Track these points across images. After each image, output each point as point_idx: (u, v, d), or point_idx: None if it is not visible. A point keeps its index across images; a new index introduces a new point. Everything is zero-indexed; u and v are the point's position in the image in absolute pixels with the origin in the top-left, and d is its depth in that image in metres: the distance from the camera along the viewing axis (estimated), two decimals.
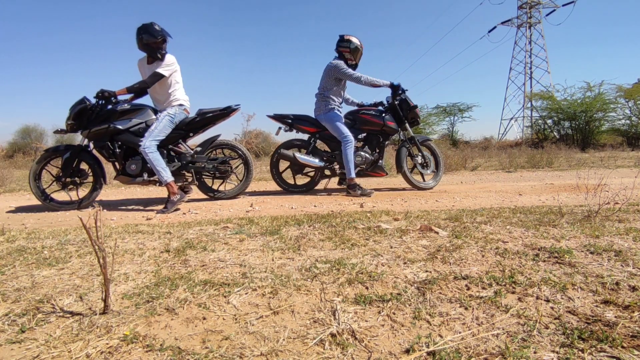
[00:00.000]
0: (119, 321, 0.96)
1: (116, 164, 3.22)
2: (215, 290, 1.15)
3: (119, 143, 3.16)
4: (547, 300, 1.02)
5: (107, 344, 0.86)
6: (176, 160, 3.31)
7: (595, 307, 0.98)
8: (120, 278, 1.28)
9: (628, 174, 5.14)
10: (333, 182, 4.47)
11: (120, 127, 3.11)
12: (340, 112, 3.89)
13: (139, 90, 3.09)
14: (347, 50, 3.75)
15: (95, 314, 1.01)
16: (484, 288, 1.12)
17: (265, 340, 0.86)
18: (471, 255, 1.42)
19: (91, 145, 3.22)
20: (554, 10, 27.78)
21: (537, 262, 1.32)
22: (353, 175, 3.71)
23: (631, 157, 9.25)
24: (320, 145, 4.14)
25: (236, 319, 0.97)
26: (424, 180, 4.20)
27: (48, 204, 3.11)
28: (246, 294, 1.12)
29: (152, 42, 3.05)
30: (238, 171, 3.69)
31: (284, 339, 0.87)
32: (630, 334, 0.84)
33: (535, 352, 0.78)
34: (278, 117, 3.99)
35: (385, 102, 4.02)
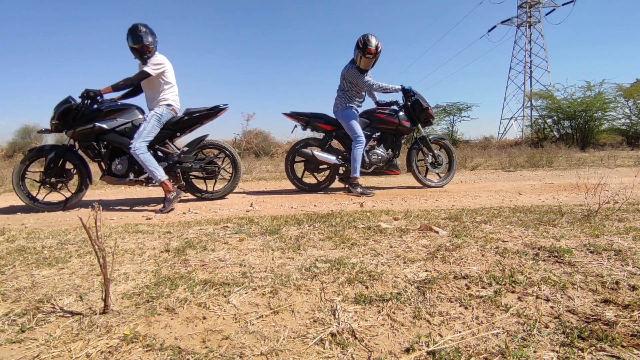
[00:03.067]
0: (119, 321, 0.96)
1: (102, 164, 3.18)
2: (215, 289, 1.15)
3: (105, 143, 3.12)
4: (547, 300, 1.02)
5: (107, 343, 0.86)
6: (163, 161, 3.27)
7: (595, 306, 0.98)
8: (120, 278, 1.28)
9: (628, 173, 5.14)
10: (335, 182, 4.47)
11: (105, 126, 3.08)
12: (358, 111, 3.92)
13: (124, 87, 3.03)
14: (359, 54, 3.68)
15: (95, 314, 1.01)
16: (483, 287, 1.12)
17: (265, 340, 0.86)
18: (471, 254, 1.42)
19: (77, 145, 3.18)
20: (554, 9, 27.78)
21: (537, 261, 1.32)
22: (357, 174, 3.76)
23: (631, 156, 9.25)
24: (335, 145, 4.15)
25: (236, 319, 0.97)
26: (438, 178, 4.24)
27: (32, 204, 3.07)
28: (246, 293, 1.12)
29: (135, 47, 3.03)
30: (226, 171, 3.62)
31: (284, 339, 0.87)
32: (630, 333, 0.84)
33: (535, 352, 0.78)
34: (294, 115, 3.99)
35: (400, 101, 4.05)
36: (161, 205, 3.02)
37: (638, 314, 0.92)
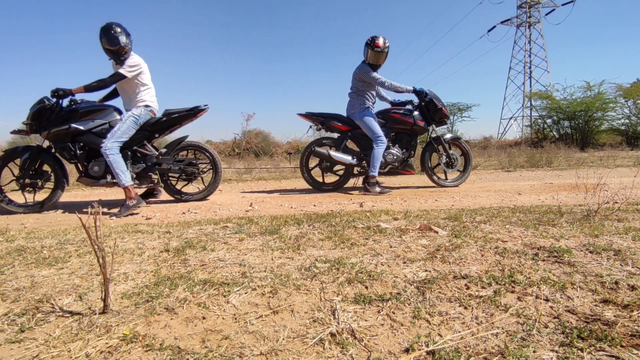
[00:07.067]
0: (118, 321, 0.96)
1: (78, 165, 3.14)
2: (214, 289, 1.15)
3: (81, 144, 3.08)
4: (547, 300, 1.02)
5: (107, 343, 0.86)
6: (141, 162, 3.23)
7: (595, 306, 0.98)
8: (119, 278, 1.28)
9: (627, 173, 5.15)
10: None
11: (81, 127, 3.03)
12: (374, 111, 3.94)
13: (97, 88, 2.96)
14: (368, 50, 3.77)
15: (95, 314, 1.01)
16: (483, 287, 1.12)
17: (264, 340, 0.86)
18: (470, 254, 1.42)
19: (53, 147, 3.13)
20: (554, 9, 27.81)
21: (536, 261, 1.33)
22: (376, 173, 3.78)
23: (630, 156, 9.26)
24: (349, 144, 4.16)
25: (236, 319, 0.97)
26: (446, 178, 4.24)
27: (6, 206, 3.02)
28: (246, 293, 1.12)
29: (110, 48, 2.98)
30: (206, 173, 3.55)
31: (283, 339, 0.87)
32: (630, 333, 0.84)
33: (534, 352, 0.78)
34: (309, 116, 4.00)
35: (415, 101, 4.06)
36: (128, 206, 2.90)
37: (637, 314, 0.92)
